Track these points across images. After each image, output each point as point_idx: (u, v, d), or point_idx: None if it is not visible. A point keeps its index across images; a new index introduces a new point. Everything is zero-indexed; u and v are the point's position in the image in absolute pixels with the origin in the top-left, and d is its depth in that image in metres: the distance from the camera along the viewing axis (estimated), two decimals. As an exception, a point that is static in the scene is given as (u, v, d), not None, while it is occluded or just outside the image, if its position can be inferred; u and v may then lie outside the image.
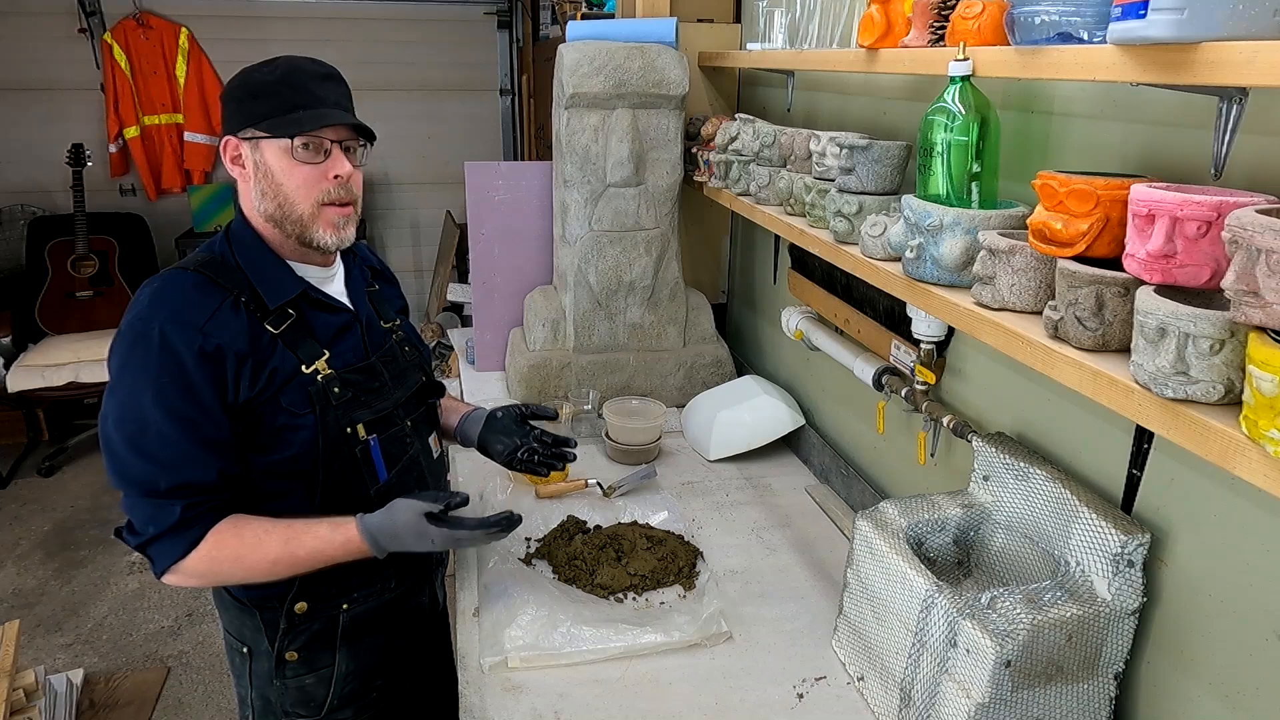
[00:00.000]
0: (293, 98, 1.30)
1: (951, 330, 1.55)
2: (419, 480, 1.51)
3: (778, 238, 2.31)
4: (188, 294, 1.28)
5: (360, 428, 1.38)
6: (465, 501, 1.38)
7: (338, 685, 1.46)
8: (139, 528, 1.28)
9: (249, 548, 1.29)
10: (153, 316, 1.25)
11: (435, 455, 1.57)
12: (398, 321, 1.56)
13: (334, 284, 1.45)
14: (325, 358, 1.36)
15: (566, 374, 2.39)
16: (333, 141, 1.32)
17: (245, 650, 1.44)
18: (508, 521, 1.38)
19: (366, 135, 1.36)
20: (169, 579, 1.29)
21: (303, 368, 1.33)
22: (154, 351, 1.23)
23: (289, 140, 1.28)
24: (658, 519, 1.86)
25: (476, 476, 2.03)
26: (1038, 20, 1.00)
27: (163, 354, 1.23)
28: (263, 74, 1.31)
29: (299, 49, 1.62)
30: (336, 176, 1.32)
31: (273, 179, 1.31)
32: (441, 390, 1.64)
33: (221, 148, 1.35)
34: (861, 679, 1.39)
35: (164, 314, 1.25)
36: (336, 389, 1.36)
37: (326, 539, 1.31)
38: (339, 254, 1.47)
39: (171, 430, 1.23)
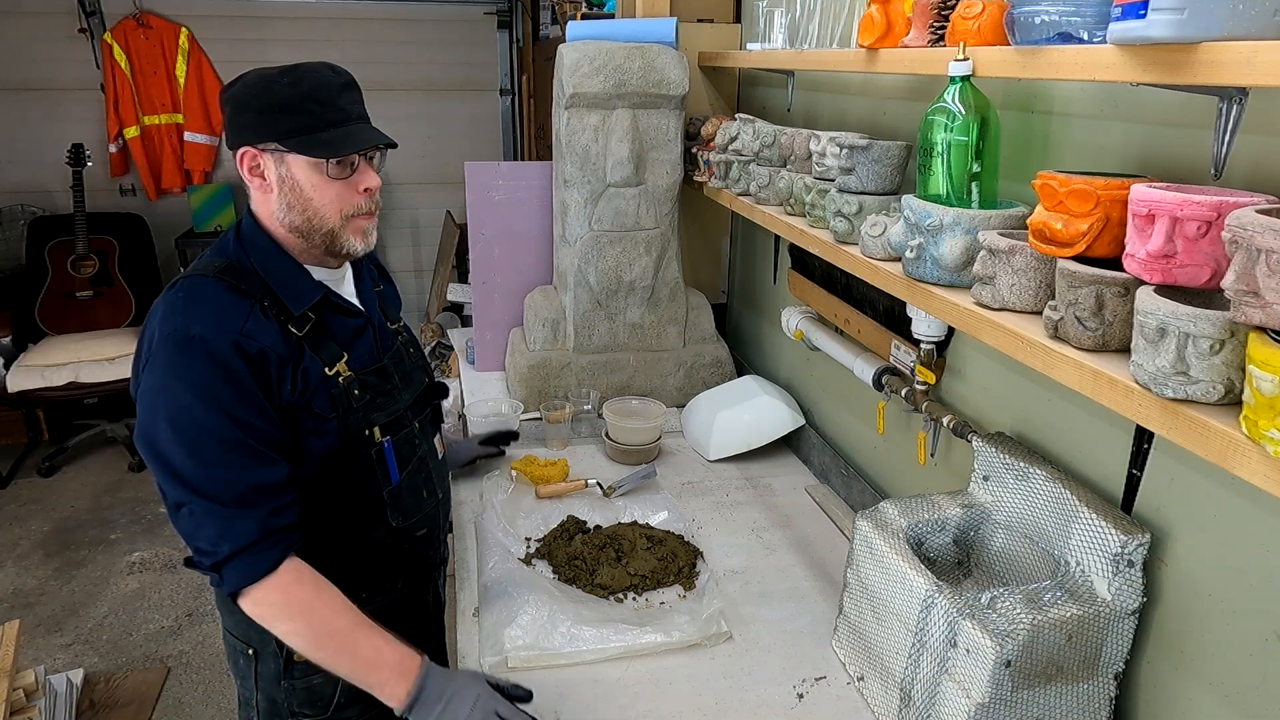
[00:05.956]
0: (322, 115, 1.27)
1: (951, 330, 1.55)
2: (426, 481, 1.51)
3: (778, 238, 2.31)
4: (219, 299, 1.26)
5: (376, 430, 1.39)
6: (528, 697, 1.29)
7: (345, 683, 1.45)
8: (209, 545, 1.21)
9: (324, 604, 1.23)
10: (190, 324, 1.22)
11: (440, 456, 1.58)
12: (401, 323, 1.57)
13: (345, 286, 1.44)
14: (345, 359, 1.36)
15: (566, 374, 2.39)
16: (360, 155, 1.31)
17: (251, 651, 1.43)
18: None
19: (391, 145, 1.35)
20: (243, 603, 1.23)
21: (325, 370, 1.33)
22: (198, 358, 1.20)
23: (323, 160, 1.27)
24: (658, 519, 1.86)
25: (476, 476, 2.04)
26: (1038, 20, 1.00)
27: (208, 360, 1.20)
28: (285, 86, 1.27)
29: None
30: (366, 190, 1.32)
31: (301, 193, 1.29)
32: (445, 391, 1.64)
33: (238, 157, 1.31)
34: (861, 679, 1.39)
35: (201, 320, 1.22)
36: (356, 391, 1.36)
37: (388, 644, 1.24)
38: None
39: (232, 433, 1.20)
